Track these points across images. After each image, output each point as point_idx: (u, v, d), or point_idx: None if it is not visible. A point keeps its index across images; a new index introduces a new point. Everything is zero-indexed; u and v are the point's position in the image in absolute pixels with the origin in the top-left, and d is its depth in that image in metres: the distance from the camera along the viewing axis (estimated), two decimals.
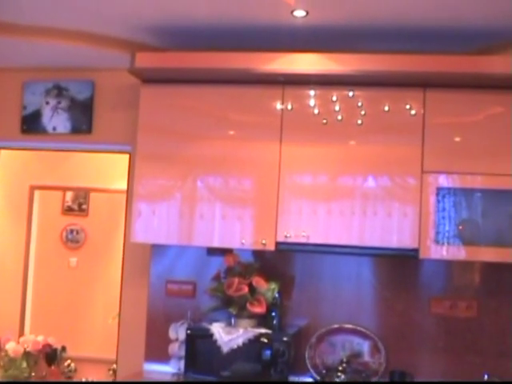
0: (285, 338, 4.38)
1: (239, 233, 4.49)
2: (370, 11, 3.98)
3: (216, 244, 4.57)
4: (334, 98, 4.43)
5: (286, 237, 4.37)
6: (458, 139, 4.36)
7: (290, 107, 4.45)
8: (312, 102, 4.46)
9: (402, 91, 4.38)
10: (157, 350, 4.81)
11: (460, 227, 4.40)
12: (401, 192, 4.36)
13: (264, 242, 4.40)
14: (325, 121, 4.44)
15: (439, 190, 4.34)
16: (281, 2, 3.82)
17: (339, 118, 4.44)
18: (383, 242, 4.36)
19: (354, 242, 4.38)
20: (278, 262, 4.78)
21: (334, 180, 4.44)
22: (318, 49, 4.31)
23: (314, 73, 4.30)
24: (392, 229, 4.36)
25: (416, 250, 4.29)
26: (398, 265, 4.69)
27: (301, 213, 4.43)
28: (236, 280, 4.42)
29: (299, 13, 4.00)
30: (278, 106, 4.46)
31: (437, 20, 4.05)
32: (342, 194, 4.43)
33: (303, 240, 4.36)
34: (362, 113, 4.42)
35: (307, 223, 4.41)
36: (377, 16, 4.04)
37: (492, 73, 4.16)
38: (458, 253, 4.35)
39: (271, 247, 4.41)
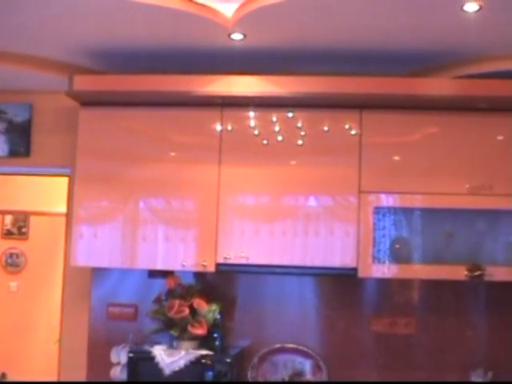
0: (227, 359, 4.37)
1: (180, 255, 4.49)
2: (306, 34, 4.04)
3: (159, 266, 4.56)
4: (274, 119, 4.48)
5: (225, 258, 4.39)
6: (395, 159, 4.44)
7: (230, 128, 4.48)
8: (252, 123, 4.50)
9: (340, 112, 4.45)
10: (99, 373, 4.76)
11: (398, 246, 4.48)
12: (339, 212, 4.42)
13: (204, 263, 4.41)
14: (265, 141, 4.48)
15: (377, 209, 4.41)
16: (218, 25, 3.85)
17: (280, 138, 4.48)
18: (323, 262, 4.41)
19: (295, 262, 4.42)
20: (220, 283, 4.80)
21: (276, 200, 4.48)
22: (256, 71, 4.35)
23: (252, 95, 4.34)
24: (331, 248, 4.42)
25: (355, 269, 4.34)
26: (339, 284, 4.75)
27: (242, 234, 4.46)
28: (177, 302, 4.42)
29: (237, 36, 4.04)
30: (218, 127, 4.49)
31: (372, 43, 4.13)
32: (282, 214, 4.47)
33: (243, 261, 4.38)
34: (302, 133, 4.47)
35: (248, 244, 4.44)
36: (314, 39, 4.10)
37: (426, 94, 4.26)
38: (397, 271, 4.43)
39: (211, 269, 4.42)
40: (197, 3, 3.74)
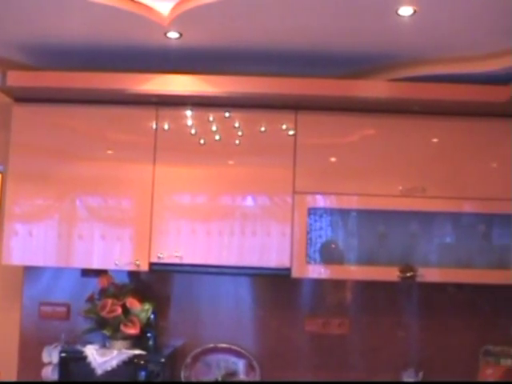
0: (160, 359, 4.35)
1: (115, 253, 4.45)
2: (243, 34, 4.03)
3: (95, 265, 4.51)
4: (211, 119, 4.48)
5: (159, 257, 4.36)
6: (331, 160, 4.47)
7: (166, 127, 4.46)
8: (189, 122, 4.49)
9: (276, 113, 4.46)
10: (30, 374, 4.69)
11: (332, 246, 4.51)
12: (275, 212, 4.42)
13: (138, 262, 4.38)
14: (202, 141, 4.47)
15: (311, 210, 4.43)
16: (154, 23, 3.82)
17: (217, 138, 4.48)
18: (258, 262, 4.41)
19: (230, 261, 4.41)
20: (155, 283, 4.78)
21: (212, 200, 4.47)
22: (192, 70, 4.33)
23: (188, 94, 4.31)
24: (266, 248, 4.42)
25: (289, 270, 4.36)
26: (274, 284, 4.76)
27: (177, 233, 4.43)
28: (109, 301, 4.38)
29: (173, 34, 4.01)
30: (153, 126, 4.46)
31: (309, 45, 4.14)
32: (219, 213, 4.46)
33: (176, 260, 4.36)
34: (240, 133, 4.47)
35: (183, 243, 4.42)
36: (250, 39, 4.09)
37: (361, 96, 4.29)
38: (330, 272, 4.45)
39: (145, 268, 4.39)
40: (133, 1, 3.70)
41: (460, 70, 4.27)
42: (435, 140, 4.48)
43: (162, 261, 4.37)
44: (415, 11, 3.59)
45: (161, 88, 4.29)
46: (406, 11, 3.60)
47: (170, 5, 3.78)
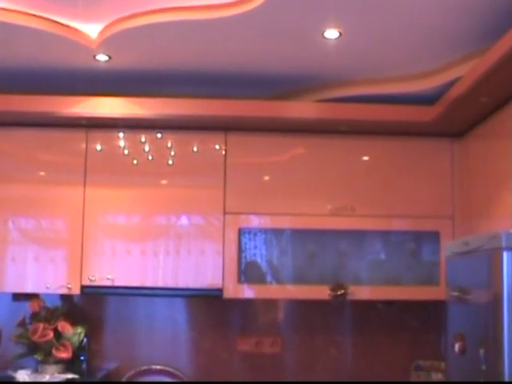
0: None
1: (48, 276, 4.41)
2: (172, 57, 4.05)
3: (28, 289, 4.47)
4: (143, 140, 4.49)
5: (90, 280, 4.34)
6: (262, 180, 4.52)
7: (99, 148, 4.46)
8: (121, 144, 4.49)
9: (206, 134, 4.50)
10: None
11: (263, 266, 4.55)
12: (207, 232, 4.45)
13: (69, 286, 4.35)
14: (135, 161, 4.48)
15: (242, 230, 4.47)
16: (83, 46, 3.82)
17: (150, 158, 4.49)
18: (190, 283, 4.42)
19: (162, 283, 4.43)
20: (88, 305, 4.75)
21: (146, 220, 4.48)
22: (122, 92, 4.35)
23: (118, 116, 4.32)
24: (196, 269, 4.44)
25: (220, 290, 4.38)
26: (207, 304, 4.77)
27: (109, 255, 4.43)
28: (41, 326, 4.33)
29: (102, 57, 4.02)
30: (84, 148, 4.45)
31: (237, 67, 4.17)
32: (151, 234, 4.47)
33: (108, 283, 4.35)
34: (172, 153, 4.49)
35: (116, 265, 4.41)
36: (179, 61, 4.11)
37: (289, 117, 4.35)
38: (262, 291, 4.50)
39: (76, 291, 4.37)
40: (60, 24, 3.69)
41: (386, 90, 4.36)
42: (364, 159, 4.56)
43: (93, 283, 4.35)
44: (341, 34, 3.65)
45: (91, 111, 4.29)
46: (331, 34, 3.66)
47: (99, 28, 3.79)
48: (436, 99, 4.23)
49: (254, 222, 4.49)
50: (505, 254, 2.93)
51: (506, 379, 2.88)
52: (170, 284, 4.41)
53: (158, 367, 4.68)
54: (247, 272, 4.54)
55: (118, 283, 4.37)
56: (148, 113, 4.31)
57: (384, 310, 4.80)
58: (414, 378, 4.63)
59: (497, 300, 2.96)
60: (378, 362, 4.78)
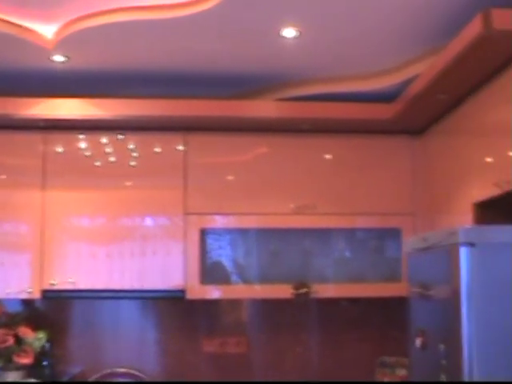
0: None
1: (9, 281, 4.36)
2: (130, 57, 4.02)
3: None
4: (105, 141, 4.45)
5: (51, 284, 4.30)
6: (223, 180, 4.51)
7: (60, 150, 4.42)
8: (82, 145, 4.45)
9: (168, 134, 4.47)
10: None
11: (226, 266, 4.53)
12: (170, 234, 4.43)
13: (30, 290, 4.30)
14: (98, 163, 4.45)
15: (205, 230, 4.45)
16: (38, 47, 3.78)
17: (112, 160, 4.46)
18: (154, 285, 4.39)
19: (123, 285, 4.39)
20: (51, 310, 4.70)
21: (110, 222, 4.45)
22: (81, 94, 4.31)
23: (76, 118, 4.28)
24: (161, 271, 4.41)
25: (183, 291, 4.36)
26: (171, 306, 4.75)
27: (72, 257, 4.39)
28: (1, 331, 4.28)
29: (58, 58, 3.97)
30: (43, 150, 4.41)
31: (197, 66, 4.16)
32: (115, 236, 4.44)
33: (70, 287, 4.31)
34: (135, 155, 4.46)
35: (77, 268, 4.37)
36: (137, 62, 4.09)
37: (250, 117, 4.34)
38: (225, 292, 4.48)
39: (37, 295, 4.32)
40: (14, 24, 3.65)
41: (346, 88, 4.37)
42: (327, 157, 4.57)
43: (55, 287, 4.30)
44: (299, 33, 3.65)
45: (48, 112, 4.24)
46: (289, 33, 3.66)
47: (54, 28, 3.75)
48: (396, 97, 4.25)
49: (217, 222, 4.47)
50: (462, 250, 2.94)
51: (466, 374, 2.89)
52: (136, 286, 4.38)
53: (123, 370, 4.64)
54: (212, 272, 4.52)
55: (80, 286, 4.33)
56: (107, 114, 4.27)
57: (348, 308, 4.81)
58: (378, 375, 4.65)
59: (456, 295, 2.97)
60: (343, 359, 4.79)
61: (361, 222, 4.56)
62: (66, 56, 3.97)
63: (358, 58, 4.05)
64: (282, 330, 4.80)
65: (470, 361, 2.90)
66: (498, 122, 3.40)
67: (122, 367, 4.66)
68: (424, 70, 3.79)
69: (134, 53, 3.98)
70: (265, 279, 4.57)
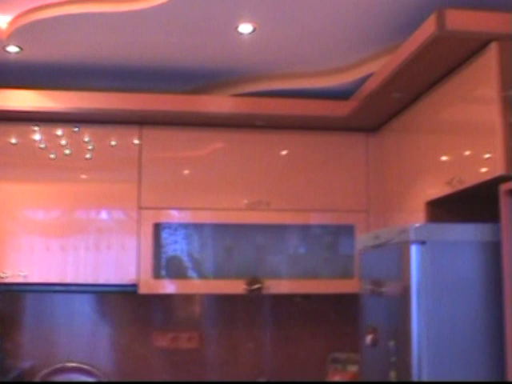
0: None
1: None
2: (85, 49, 3.98)
3: None
4: (60, 133, 4.41)
5: (1, 277, 4.25)
6: (178, 175, 4.48)
7: (13, 142, 4.36)
8: (37, 137, 4.40)
9: (123, 128, 4.44)
10: None
11: (179, 261, 4.53)
12: (125, 228, 4.39)
13: None
14: (53, 155, 4.40)
15: (159, 224, 4.43)
16: None
17: (67, 152, 4.42)
18: (108, 279, 4.36)
19: (72, 279, 4.33)
20: (1, 303, 4.64)
21: (65, 215, 4.40)
22: (35, 85, 4.26)
23: (30, 110, 4.22)
24: (111, 265, 4.38)
25: (135, 286, 4.34)
26: (123, 300, 4.72)
27: (27, 251, 4.32)
28: None
29: (12, 48, 3.92)
30: None
31: (153, 60, 4.13)
32: (70, 229, 4.39)
33: (21, 280, 4.26)
34: (90, 147, 4.43)
35: (33, 262, 4.31)
36: (91, 55, 4.05)
37: (205, 111, 4.32)
38: (178, 286, 4.47)
39: None
40: None
41: (302, 85, 4.38)
42: (282, 154, 4.57)
43: (5, 280, 4.25)
44: (255, 29, 3.65)
45: (1, 103, 4.17)
46: (245, 28, 3.66)
47: (8, 18, 3.70)
48: (351, 94, 4.27)
49: (172, 216, 4.45)
50: (413, 248, 2.97)
51: (415, 371, 2.93)
52: (90, 280, 4.34)
53: (73, 365, 4.61)
54: (166, 267, 4.50)
55: (32, 280, 4.28)
56: (61, 106, 4.23)
57: (302, 304, 4.83)
58: (330, 371, 4.68)
59: (406, 292, 3.00)
60: (296, 355, 4.80)
61: (315, 219, 4.57)
62: (20, 47, 3.92)
63: (314, 54, 4.06)
64: (235, 325, 4.80)
65: (420, 358, 2.93)
66: (452, 120, 3.44)
67: (74, 362, 4.63)
68: (379, 68, 3.82)
69: (89, 45, 3.94)
70: (219, 274, 4.57)
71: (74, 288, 4.37)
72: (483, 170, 3.06)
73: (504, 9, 3.13)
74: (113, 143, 4.44)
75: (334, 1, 3.34)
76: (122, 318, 4.74)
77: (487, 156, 3.04)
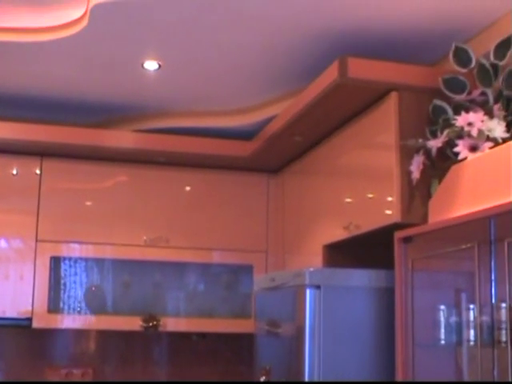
0: None
1: None
2: None
3: None
4: None
5: None
6: (80, 208, 4.43)
7: None
8: None
9: (25, 158, 4.37)
10: None
11: (75, 296, 4.45)
12: (20, 259, 4.31)
13: None
14: None
15: (59, 258, 4.37)
16: None
17: None
18: (4, 311, 4.25)
19: None
20: None
21: None
22: None
23: None
24: (7, 296, 4.28)
25: (29, 319, 4.24)
26: (16, 334, 4.59)
27: None
28: None
29: None
30: None
31: (57, 92, 4.10)
32: None
33: None
34: None
35: None
36: None
37: (106, 146, 4.30)
38: (73, 321, 4.41)
39: None
40: None
41: (206, 123, 4.42)
42: (185, 191, 4.58)
43: None
44: (160, 66, 3.67)
45: None
46: (151, 65, 3.68)
47: None
48: (254, 135, 4.31)
49: (70, 249, 4.38)
50: (308, 292, 3.01)
51: None
52: None
53: None
54: (63, 301, 4.41)
55: None
56: None
57: (198, 342, 4.80)
58: None
59: (300, 334, 3.03)
60: None
61: (214, 257, 4.58)
62: None
63: (218, 94, 4.11)
64: (130, 362, 4.74)
65: None
66: (351, 166, 3.51)
67: None
68: (281, 111, 3.87)
69: None
70: (115, 310, 4.52)
71: None
72: (379, 216, 3.13)
73: (405, 60, 3.24)
74: (14, 172, 4.36)
75: (239, 44, 3.39)
76: (15, 352, 4.61)
77: (384, 202, 3.11)
